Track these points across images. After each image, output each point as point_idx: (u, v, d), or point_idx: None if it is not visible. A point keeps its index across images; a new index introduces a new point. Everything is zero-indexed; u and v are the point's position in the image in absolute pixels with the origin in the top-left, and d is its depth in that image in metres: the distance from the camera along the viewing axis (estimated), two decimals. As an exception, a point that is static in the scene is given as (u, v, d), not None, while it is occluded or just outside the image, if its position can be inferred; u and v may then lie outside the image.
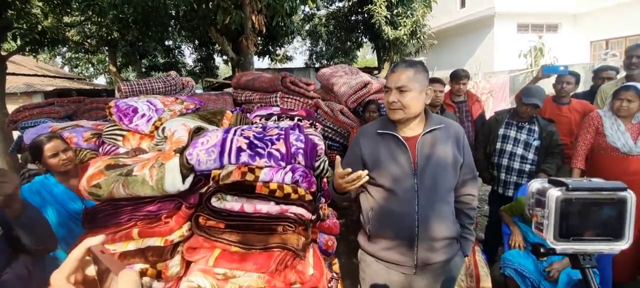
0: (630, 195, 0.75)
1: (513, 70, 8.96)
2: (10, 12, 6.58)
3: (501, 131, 2.74)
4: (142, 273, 1.49)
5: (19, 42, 7.27)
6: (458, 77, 3.28)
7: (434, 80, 2.95)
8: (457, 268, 1.51)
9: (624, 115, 2.36)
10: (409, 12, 11.04)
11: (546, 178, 0.84)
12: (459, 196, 1.51)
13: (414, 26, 10.95)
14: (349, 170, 1.29)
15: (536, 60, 8.86)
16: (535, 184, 0.83)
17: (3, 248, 1.31)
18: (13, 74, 11.54)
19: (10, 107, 5.77)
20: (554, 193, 0.76)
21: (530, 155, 2.63)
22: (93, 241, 0.48)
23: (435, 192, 1.38)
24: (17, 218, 1.28)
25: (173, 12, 9.27)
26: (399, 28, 11.06)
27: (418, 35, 11.22)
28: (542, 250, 0.83)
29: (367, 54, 28.65)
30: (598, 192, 0.75)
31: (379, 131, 1.44)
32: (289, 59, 18.61)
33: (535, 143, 2.61)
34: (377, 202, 1.43)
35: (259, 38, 10.28)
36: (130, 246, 1.51)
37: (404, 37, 11.07)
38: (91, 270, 0.48)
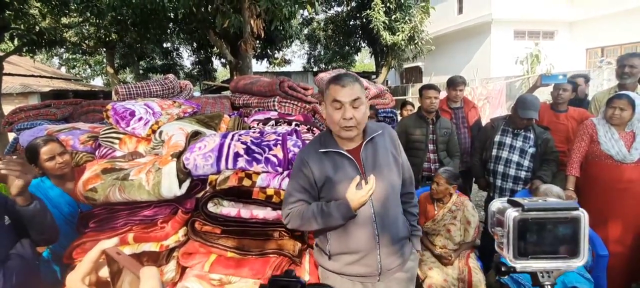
0: (583, 214, 0.78)
1: (510, 76, 9.03)
2: (7, 12, 6.56)
3: (497, 138, 2.76)
4: (137, 279, 1.49)
5: (16, 42, 7.24)
6: (454, 83, 3.31)
7: (428, 87, 2.96)
8: (414, 266, 1.53)
9: (616, 124, 2.39)
10: (407, 18, 11.14)
11: (505, 199, 0.87)
12: (402, 195, 1.51)
13: (412, 32, 11.04)
14: (372, 185, 1.26)
15: (532, 67, 8.94)
16: (496, 204, 0.86)
17: (11, 237, 1.33)
18: (9, 74, 11.49)
19: (6, 108, 5.75)
20: (511, 213, 0.79)
21: (526, 162, 2.65)
22: (107, 243, 0.49)
23: (387, 197, 1.39)
24: (27, 207, 1.30)
25: (172, 15, 9.28)
26: (397, 33, 11.14)
27: (416, 41, 11.30)
28: (503, 268, 0.86)
29: (365, 59, 28.79)
30: (552, 212, 0.78)
31: (321, 150, 1.38)
32: (288, 62, 18.67)
33: (531, 150, 2.63)
34: None
35: (258, 41, 10.30)
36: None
37: (402, 42, 11.15)
38: (104, 272, 0.49)
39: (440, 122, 2.95)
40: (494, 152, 2.76)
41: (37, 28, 7.63)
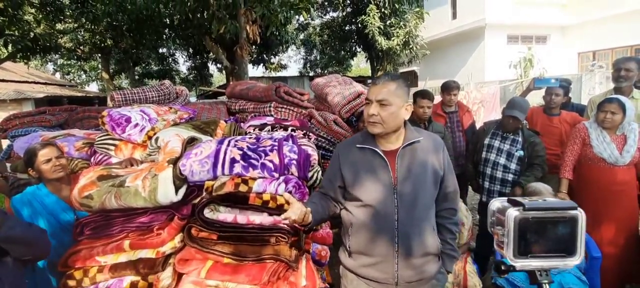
0: (580, 214, 0.80)
1: (504, 80, 9.12)
2: (1, 18, 6.54)
3: (487, 141, 2.79)
4: (133, 286, 1.48)
5: (10, 48, 7.21)
6: (449, 88, 3.35)
7: (422, 96, 2.94)
8: (440, 286, 1.47)
9: (608, 127, 2.43)
10: (402, 23, 11.24)
11: (505, 198, 0.88)
12: (440, 210, 1.48)
13: (407, 37, 11.14)
14: (290, 216, 1.26)
15: (526, 71, 9.04)
16: (496, 203, 0.87)
17: None
18: (3, 80, 11.41)
19: (0, 114, 5.70)
20: (512, 212, 0.81)
21: (513, 165, 2.67)
22: None
23: (415, 207, 1.36)
24: None
25: (167, 21, 9.28)
26: (392, 38, 11.23)
27: (411, 46, 11.40)
28: (503, 267, 0.87)
29: (361, 63, 28.94)
30: (552, 211, 0.80)
31: (358, 145, 1.42)
32: (284, 67, 18.70)
33: (518, 153, 2.66)
34: (356, 218, 1.41)
35: (254, 47, 10.33)
36: (122, 258, 1.50)
37: (397, 47, 11.24)
38: None
39: (432, 126, 2.96)
40: (483, 154, 2.79)
41: (32, 34, 7.60)
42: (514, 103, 2.66)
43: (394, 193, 1.35)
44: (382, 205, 1.36)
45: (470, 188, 3.39)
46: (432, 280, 1.43)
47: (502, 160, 2.70)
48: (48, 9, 8.08)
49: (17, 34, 7.25)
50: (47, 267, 1.72)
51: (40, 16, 8.64)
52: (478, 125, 3.40)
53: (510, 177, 2.69)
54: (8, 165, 2.74)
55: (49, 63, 18.66)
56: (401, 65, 13.26)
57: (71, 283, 1.49)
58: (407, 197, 1.36)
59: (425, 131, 1.52)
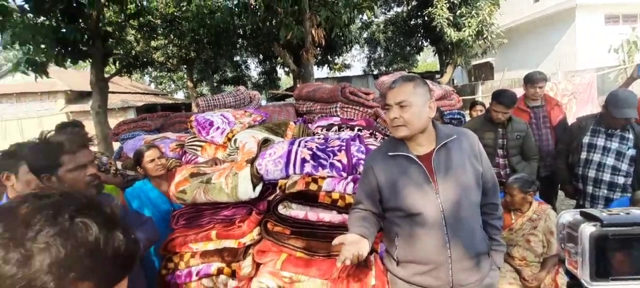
0: None
1: (601, 67, 7.87)
2: (110, 40, 7.82)
3: (586, 139, 2.44)
4: (219, 271, 1.66)
5: (117, 65, 8.58)
6: (533, 80, 3.00)
7: (497, 99, 2.62)
8: (493, 283, 1.42)
9: None
10: (474, 12, 10.44)
11: (578, 210, 0.73)
12: (483, 206, 1.42)
13: (480, 26, 10.31)
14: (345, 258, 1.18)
15: (630, 56, 7.66)
16: (566, 216, 0.72)
17: None
18: (112, 92, 13.58)
19: (110, 121, 6.83)
20: (587, 229, 0.67)
21: (624, 166, 2.29)
22: None
23: (461, 208, 1.30)
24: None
25: (241, 32, 10.09)
26: (463, 29, 10.50)
27: (485, 35, 10.52)
28: None
29: (427, 58, 27.62)
30: (638, 227, 0.65)
31: (390, 153, 1.36)
32: (348, 67, 18.81)
33: (630, 152, 2.28)
34: (401, 228, 1.35)
35: (318, 49, 10.61)
36: (210, 246, 1.70)
37: (469, 38, 10.48)
38: None
39: (512, 124, 2.68)
40: (583, 155, 2.44)
41: (133, 52, 8.95)
42: (620, 100, 2.27)
43: (437, 198, 1.29)
44: (427, 212, 1.29)
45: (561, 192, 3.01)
46: (486, 279, 1.38)
47: (609, 161, 2.35)
48: (144, 29, 9.42)
49: (121, 52, 8.63)
50: (153, 251, 2.02)
51: (139, 36, 10.11)
52: (570, 121, 3.00)
53: (621, 180, 2.32)
54: (119, 163, 3.29)
55: (146, 75, 21.63)
56: (474, 57, 12.34)
57: (170, 265, 1.74)
58: (451, 200, 1.29)
59: (458, 128, 1.44)
